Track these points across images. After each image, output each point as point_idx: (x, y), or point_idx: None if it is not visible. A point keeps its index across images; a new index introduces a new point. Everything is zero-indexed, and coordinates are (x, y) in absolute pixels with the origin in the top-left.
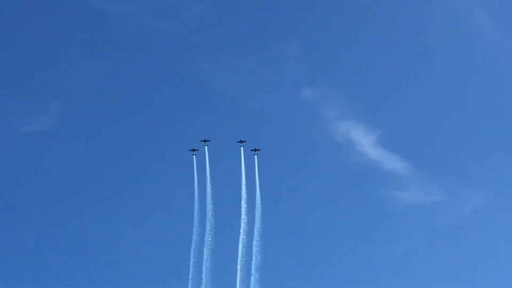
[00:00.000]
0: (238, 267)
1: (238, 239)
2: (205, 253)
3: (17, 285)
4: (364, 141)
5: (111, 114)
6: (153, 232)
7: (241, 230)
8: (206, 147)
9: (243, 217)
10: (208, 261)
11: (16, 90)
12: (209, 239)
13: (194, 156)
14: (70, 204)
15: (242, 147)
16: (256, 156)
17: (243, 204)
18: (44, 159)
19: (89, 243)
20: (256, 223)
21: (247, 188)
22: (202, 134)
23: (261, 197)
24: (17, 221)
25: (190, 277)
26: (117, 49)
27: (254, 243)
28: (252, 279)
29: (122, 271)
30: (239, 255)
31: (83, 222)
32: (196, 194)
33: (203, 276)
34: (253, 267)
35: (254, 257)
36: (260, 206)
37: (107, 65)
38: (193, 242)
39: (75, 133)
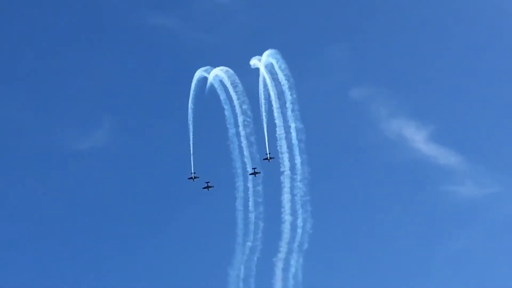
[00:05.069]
0: None
1: None
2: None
3: None
4: (417, 137)
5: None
6: None
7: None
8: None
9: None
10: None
11: (67, 107)
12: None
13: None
14: (129, 218)
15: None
16: None
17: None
18: (100, 176)
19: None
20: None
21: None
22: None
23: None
24: (73, 241)
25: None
26: (165, 62)
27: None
28: None
29: None
30: None
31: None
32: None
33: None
34: None
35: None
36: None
37: (155, 78)
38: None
39: (131, 148)
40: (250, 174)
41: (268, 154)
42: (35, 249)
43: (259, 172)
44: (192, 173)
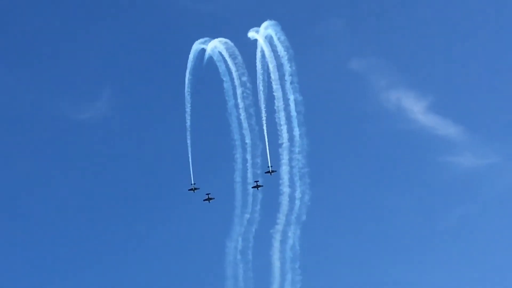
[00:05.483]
0: None
1: None
2: None
3: None
4: (416, 108)
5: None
6: None
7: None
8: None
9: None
10: None
11: (67, 77)
12: None
13: None
14: (126, 192)
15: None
16: None
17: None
18: (99, 146)
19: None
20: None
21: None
22: None
23: (311, 172)
24: (72, 212)
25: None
26: (163, 32)
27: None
28: None
29: None
30: None
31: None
32: None
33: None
34: None
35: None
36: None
37: (154, 49)
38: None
39: (130, 118)
40: (253, 187)
41: (270, 167)
42: (30, 220)
43: (262, 186)
44: (192, 184)
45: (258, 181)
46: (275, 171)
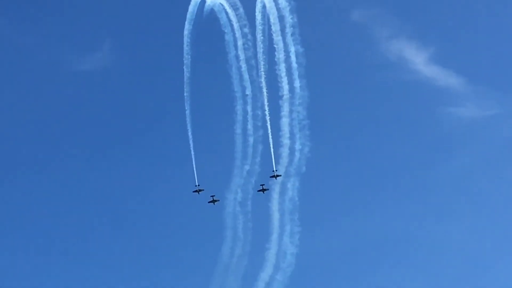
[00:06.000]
0: None
1: None
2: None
3: None
4: (417, 59)
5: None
6: None
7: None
8: None
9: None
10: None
11: (68, 29)
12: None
13: None
14: (127, 142)
15: None
16: None
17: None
18: (101, 97)
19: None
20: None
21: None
22: None
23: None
24: (73, 160)
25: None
26: None
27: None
28: None
29: None
30: None
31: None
32: None
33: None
34: None
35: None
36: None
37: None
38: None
39: (131, 70)
40: (258, 191)
41: (275, 172)
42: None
43: (267, 189)
44: (196, 186)
45: (263, 184)
46: (280, 175)
